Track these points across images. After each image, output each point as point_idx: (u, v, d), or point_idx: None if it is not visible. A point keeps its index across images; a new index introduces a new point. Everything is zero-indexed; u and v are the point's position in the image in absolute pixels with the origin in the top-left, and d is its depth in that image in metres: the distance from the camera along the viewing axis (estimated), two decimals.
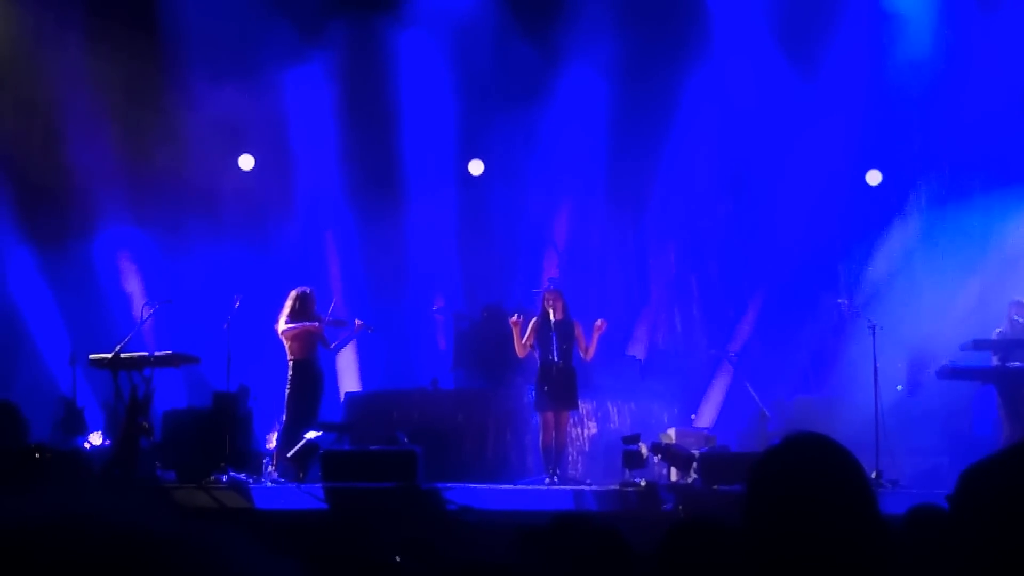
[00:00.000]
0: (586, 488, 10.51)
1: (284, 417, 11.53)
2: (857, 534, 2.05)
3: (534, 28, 14.79)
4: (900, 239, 14.62)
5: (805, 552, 2.03)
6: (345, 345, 12.34)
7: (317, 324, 11.50)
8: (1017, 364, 10.87)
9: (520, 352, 11.35)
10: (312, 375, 11.55)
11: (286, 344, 11.55)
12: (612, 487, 10.33)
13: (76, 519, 1.07)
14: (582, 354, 11.33)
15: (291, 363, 11.52)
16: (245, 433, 11.71)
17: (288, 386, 11.50)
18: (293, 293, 11.63)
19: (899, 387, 12.65)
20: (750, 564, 2.08)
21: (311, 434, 11.35)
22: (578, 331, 11.35)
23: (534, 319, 11.45)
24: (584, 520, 3.53)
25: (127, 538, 1.06)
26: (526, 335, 11.25)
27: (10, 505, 1.09)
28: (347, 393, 13.80)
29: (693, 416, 13.46)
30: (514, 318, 11.31)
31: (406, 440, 11.48)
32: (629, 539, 3.41)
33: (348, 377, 14.62)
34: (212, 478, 10.49)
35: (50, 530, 1.05)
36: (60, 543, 1.04)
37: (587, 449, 12.72)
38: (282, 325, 11.48)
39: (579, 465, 12.48)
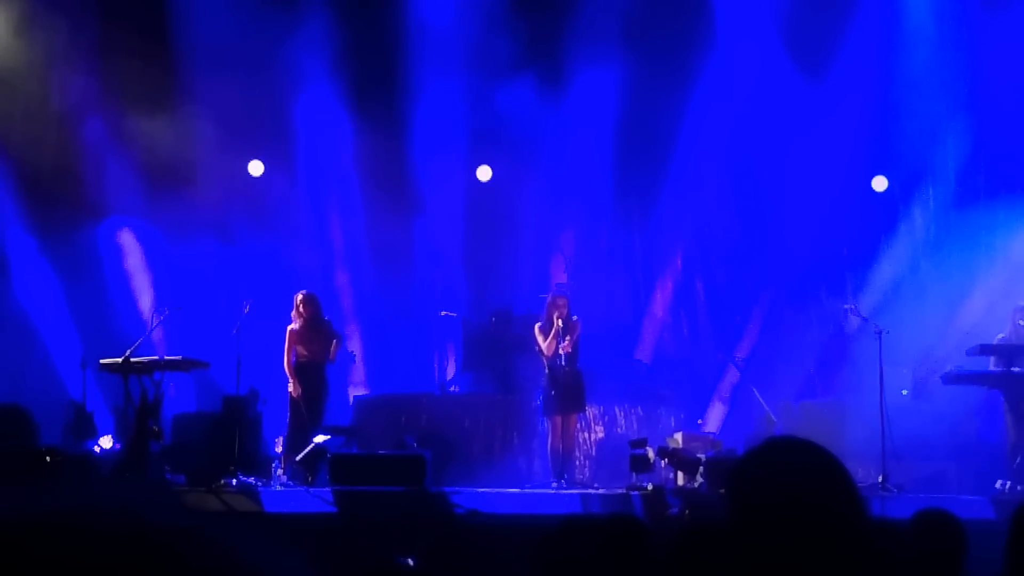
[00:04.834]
0: (593, 492, 10.56)
1: (288, 421, 11.60)
2: (841, 537, 2.07)
3: (542, 35, 14.83)
4: (906, 244, 14.65)
5: (786, 557, 2.05)
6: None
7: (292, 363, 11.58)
8: (1022, 369, 10.88)
9: (549, 351, 11.39)
10: (316, 380, 11.61)
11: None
12: (619, 491, 10.37)
13: (83, 513, 1.11)
14: (562, 346, 11.36)
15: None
16: (254, 437, 11.77)
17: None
18: (298, 300, 11.68)
19: (904, 392, 12.67)
20: (736, 567, 2.12)
21: (320, 438, 11.40)
22: (575, 330, 11.44)
23: (538, 324, 11.53)
24: (599, 521, 3.58)
25: (134, 532, 1.10)
26: (549, 338, 11.34)
27: (19, 498, 1.13)
28: (355, 397, 13.86)
29: (700, 421, 13.49)
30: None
31: (414, 444, 11.54)
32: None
33: (357, 381, 14.69)
34: (222, 482, 10.55)
35: (57, 523, 1.09)
36: (67, 536, 1.07)
37: (594, 453, 12.77)
38: (286, 361, 11.65)
39: (586, 469, 12.52)
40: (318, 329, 11.73)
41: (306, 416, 11.46)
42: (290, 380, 11.65)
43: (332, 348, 11.72)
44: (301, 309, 11.70)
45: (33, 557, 1.08)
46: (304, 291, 11.92)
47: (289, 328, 11.73)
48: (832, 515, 2.06)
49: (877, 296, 14.13)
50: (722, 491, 9.76)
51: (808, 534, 2.04)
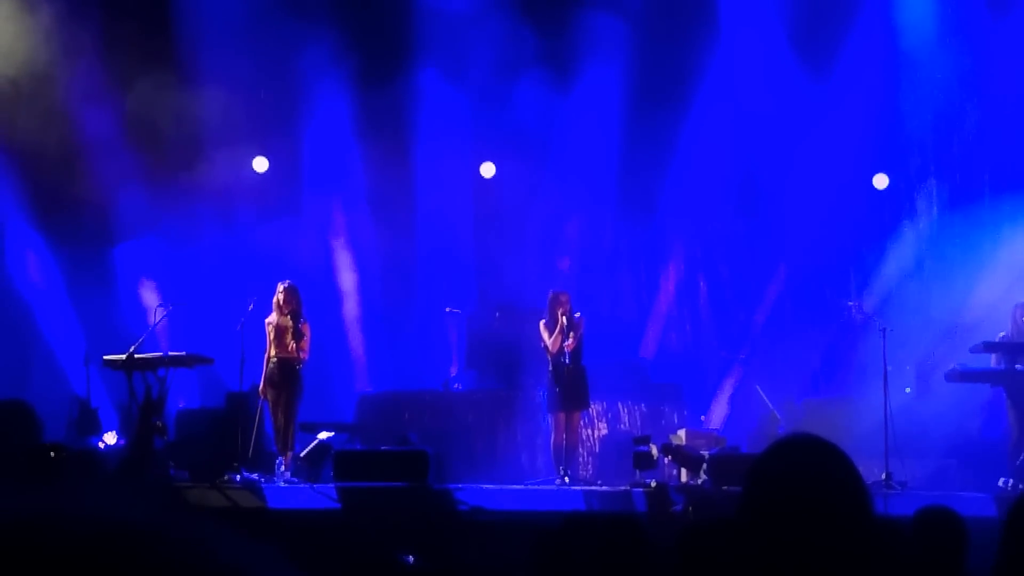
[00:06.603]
0: (596, 489, 10.57)
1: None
2: (851, 535, 2.09)
3: (547, 30, 14.82)
4: (910, 242, 14.65)
5: (800, 552, 2.07)
6: None
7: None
8: None
9: (554, 348, 11.37)
10: (290, 378, 11.41)
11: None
12: (622, 488, 10.37)
13: (86, 516, 1.11)
14: (566, 344, 11.33)
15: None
16: (258, 433, 11.76)
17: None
18: (279, 290, 11.34)
19: (908, 389, 12.67)
20: (746, 564, 2.13)
21: (323, 434, 11.39)
22: (579, 327, 11.43)
23: (542, 320, 11.53)
24: (597, 519, 3.59)
25: (135, 536, 1.10)
26: (554, 335, 11.33)
27: (23, 500, 1.13)
28: (359, 393, 13.87)
29: (703, 417, 13.50)
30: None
31: (417, 441, 11.54)
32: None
33: (360, 377, 14.72)
34: (225, 478, 10.56)
35: (60, 526, 1.09)
36: (70, 539, 1.08)
37: (597, 450, 12.77)
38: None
39: (590, 466, 12.53)
40: (288, 325, 11.26)
41: (281, 417, 11.24)
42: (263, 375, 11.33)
43: (294, 347, 11.19)
44: (280, 300, 11.30)
45: (38, 556, 1.09)
46: (287, 282, 11.47)
47: (266, 320, 11.39)
48: (845, 514, 2.09)
49: (881, 293, 14.13)
50: (726, 488, 9.78)
51: (821, 532, 2.06)
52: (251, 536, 1.20)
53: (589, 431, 12.71)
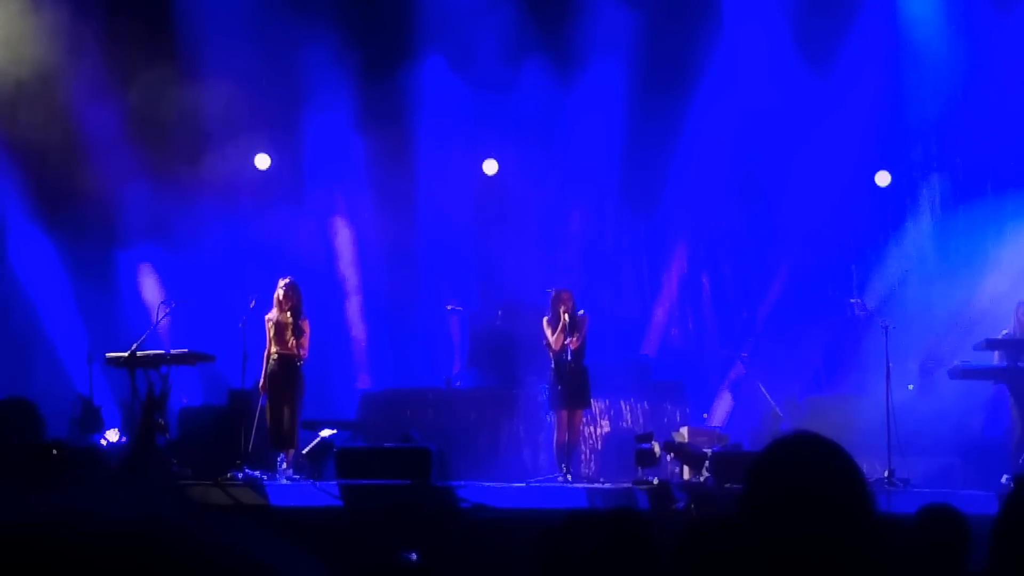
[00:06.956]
0: (599, 486, 10.57)
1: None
2: (853, 533, 2.09)
3: (551, 21, 14.81)
4: (913, 239, 14.64)
5: (801, 550, 2.07)
6: None
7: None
8: None
9: (556, 345, 11.35)
10: (291, 375, 11.35)
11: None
12: (625, 485, 10.38)
13: (89, 515, 1.11)
14: (569, 341, 11.31)
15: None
16: (260, 430, 11.77)
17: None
18: (279, 286, 11.29)
19: (911, 387, 12.66)
20: (747, 562, 2.13)
21: (326, 432, 11.37)
22: (582, 325, 11.41)
23: (545, 318, 11.52)
24: (600, 515, 3.58)
25: (139, 534, 1.10)
26: (556, 333, 11.32)
27: (26, 501, 1.13)
28: (361, 391, 13.87)
29: (705, 415, 13.50)
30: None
31: (419, 438, 11.55)
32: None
33: (362, 374, 14.72)
34: (228, 475, 10.57)
35: (63, 524, 1.09)
36: (73, 539, 1.07)
37: (600, 447, 12.77)
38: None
39: (592, 463, 12.53)
40: (288, 322, 11.19)
41: (284, 415, 11.21)
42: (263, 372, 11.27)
43: (293, 343, 11.12)
44: (281, 297, 11.22)
45: (41, 554, 1.08)
46: (288, 278, 11.38)
47: (266, 317, 11.32)
48: (846, 512, 2.09)
49: (883, 290, 14.12)
50: (728, 485, 9.77)
51: (823, 530, 2.06)
52: (253, 534, 1.20)
53: (591, 428, 12.71)
